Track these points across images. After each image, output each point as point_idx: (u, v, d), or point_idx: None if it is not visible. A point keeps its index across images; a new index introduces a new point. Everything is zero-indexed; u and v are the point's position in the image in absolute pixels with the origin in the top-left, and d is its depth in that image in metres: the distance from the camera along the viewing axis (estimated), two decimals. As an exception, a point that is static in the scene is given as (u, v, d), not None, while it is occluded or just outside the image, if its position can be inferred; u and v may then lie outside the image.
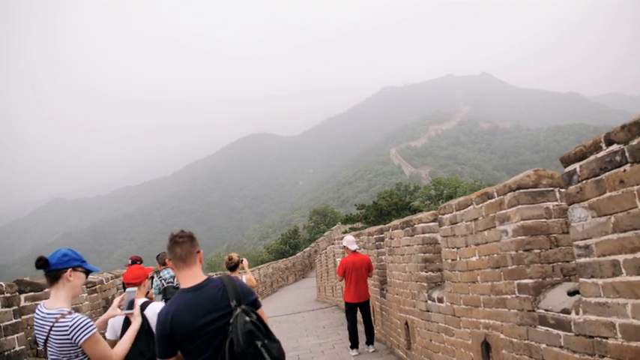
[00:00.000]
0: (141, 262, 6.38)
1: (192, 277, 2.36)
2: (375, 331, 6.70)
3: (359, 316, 6.56)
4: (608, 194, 2.00)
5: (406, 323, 5.12)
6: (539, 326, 2.63)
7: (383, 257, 6.25)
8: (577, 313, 2.29)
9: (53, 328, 2.34)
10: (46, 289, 4.08)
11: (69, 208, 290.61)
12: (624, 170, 1.91)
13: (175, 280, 7.00)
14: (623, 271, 1.94)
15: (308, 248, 32.33)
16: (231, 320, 2.26)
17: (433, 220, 4.36)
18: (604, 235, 2.04)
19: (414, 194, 42.33)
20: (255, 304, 2.42)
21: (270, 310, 13.70)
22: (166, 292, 6.85)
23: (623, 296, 1.95)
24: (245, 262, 5.91)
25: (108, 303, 6.33)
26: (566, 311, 2.39)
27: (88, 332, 2.36)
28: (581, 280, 2.21)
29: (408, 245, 4.82)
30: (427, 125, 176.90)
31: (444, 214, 3.81)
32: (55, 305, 2.43)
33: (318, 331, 8.58)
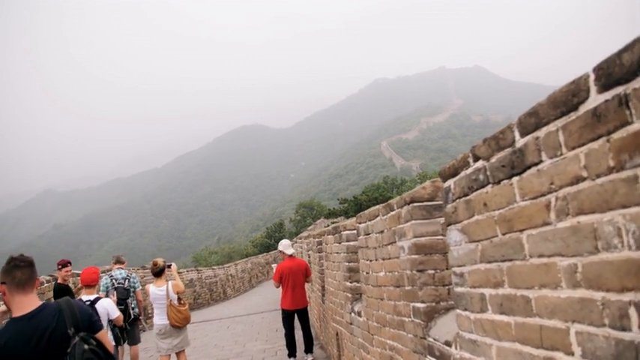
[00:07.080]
0: (70, 263, 6.26)
1: (26, 303, 2.27)
2: (321, 338, 6.44)
3: (297, 323, 6.27)
4: (475, 218, 1.72)
5: (337, 334, 4.84)
6: (428, 356, 2.36)
7: (323, 262, 5.97)
8: (456, 348, 2.02)
9: None
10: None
11: (60, 199, 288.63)
12: (487, 192, 1.63)
13: (126, 281, 6.74)
14: (489, 307, 1.66)
15: (291, 242, 32.14)
16: (69, 350, 2.24)
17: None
18: (474, 264, 1.76)
19: (400, 188, 42.25)
20: (94, 328, 2.42)
21: (239, 309, 13.52)
22: (116, 293, 6.64)
23: (489, 336, 1.68)
24: (174, 266, 5.65)
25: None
26: (448, 344, 2.12)
27: None
28: (457, 311, 1.95)
29: (337, 252, 4.53)
30: (419, 118, 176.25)
31: (360, 224, 3.53)
32: None
33: (270, 335, 8.32)
